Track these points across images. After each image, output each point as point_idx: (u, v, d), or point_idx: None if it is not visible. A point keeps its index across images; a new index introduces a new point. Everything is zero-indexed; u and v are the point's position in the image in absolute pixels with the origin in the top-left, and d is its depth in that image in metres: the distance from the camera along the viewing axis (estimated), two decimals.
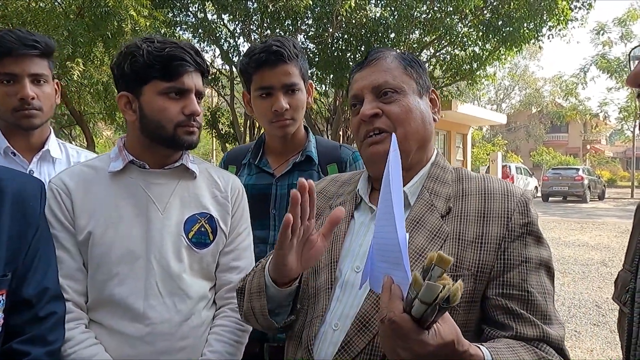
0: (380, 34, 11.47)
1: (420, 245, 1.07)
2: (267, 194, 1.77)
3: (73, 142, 17.19)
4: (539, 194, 24.65)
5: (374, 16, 11.87)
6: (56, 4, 8.47)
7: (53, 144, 1.78)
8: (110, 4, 7.51)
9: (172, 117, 1.34)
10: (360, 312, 1.04)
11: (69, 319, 1.22)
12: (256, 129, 14.43)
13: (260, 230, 1.75)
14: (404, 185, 1.13)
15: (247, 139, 14.14)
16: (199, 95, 1.40)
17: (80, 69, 7.73)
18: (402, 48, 12.72)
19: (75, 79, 7.65)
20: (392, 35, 11.96)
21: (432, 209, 1.12)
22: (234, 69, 13.35)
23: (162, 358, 1.30)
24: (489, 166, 22.97)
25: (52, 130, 1.82)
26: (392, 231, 0.81)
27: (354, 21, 11.48)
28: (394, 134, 0.94)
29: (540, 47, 12.64)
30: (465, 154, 22.63)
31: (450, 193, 1.15)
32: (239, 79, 13.70)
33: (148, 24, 8.15)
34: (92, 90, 9.35)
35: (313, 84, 1.90)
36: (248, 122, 14.07)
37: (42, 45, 1.64)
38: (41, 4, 8.40)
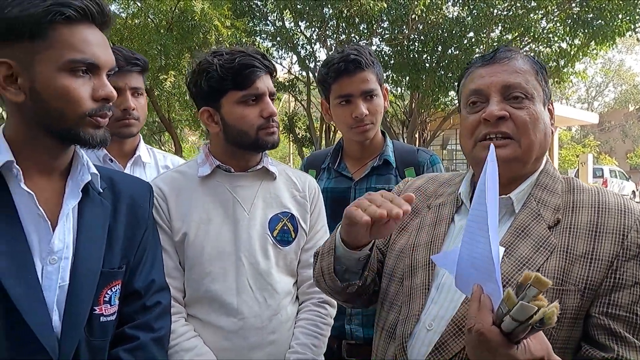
0: (457, 34, 11.19)
1: (525, 255, 1.03)
2: (346, 198, 1.80)
3: (162, 147, 18.41)
4: (638, 199, 22.65)
5: (450, 16, 11.61)
6: (149, 20, 9.17)
7: (143, 150, 1.92)
8: (196, 17, 8.01)
9: (252, 122, 1.41)
10: (457, 315, 1.03)
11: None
12: (331, 133, 14.62)
13: None
14: (510, 192, 1.12)
15: (323, 142, 14.36)
16: (272, 95, 1.47)
17: (171, 80, 8.30)
18: (481, 47, 12.31)
19: (167, 89, 8.21)
20: (470, 34, 11.63)
21: (538, 219, 1.07)
22: (311, 75, 13.62)
23: (255, 351, 1.39)
24: (578, 169, 21.49)
25: (141, 137, 1.96)
26: (486, 243, 0.81)
27: (429, 22, 11.30)
28: (492, 145, 0.91)
29: (638, 40, 11.67)
30: (551, 156, 21.36)
31: (559, 204, 1.09)
32: (315, 85, 13.98)
33: (230, 33, 8.59)
34: (180, 99, 10.02)
35: (388, 88, 1.93)
36: (324, 126, 14.30)
37: (141, 63, 1.81)
38: (136, 21, 9.14)
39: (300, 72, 14.47)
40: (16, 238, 0.98)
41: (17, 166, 1.00)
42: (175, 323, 1.31)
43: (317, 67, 13.84)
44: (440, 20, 11.16)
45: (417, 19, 10.95)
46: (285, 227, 1.50)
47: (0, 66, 0.96)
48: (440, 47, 11.69)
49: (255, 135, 1.42)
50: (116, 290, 1.11)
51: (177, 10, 8.38)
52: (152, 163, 1.95)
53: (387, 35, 12.28)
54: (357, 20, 10.69)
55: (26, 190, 1.00)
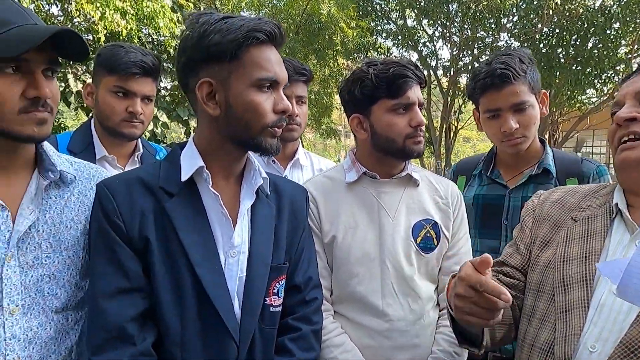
0: (600, 25, 10.14)
1: None
2: (499, 205, 1.77)
3: None
4: None
5: (592, 6, 10.57)
6: None
7: (301, 153, 2.05)
8: (323, 20, 8.29)
9: (400, 130, 1.44)
10: (626, 337, 0.99)
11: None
12: (451, 133, 14.17)
13: (491, 239, 1.78)
14: None
15: (442, 142, 13.98)
16: (421, 106, 1.51)
17: None
18: (627, 40, 11.03)
19: None
20: (617, 25, 10.47)
21: None
22: (432, 74, 13.33)
23: (399, 352, 1.44)
24: None
25: (300, 141, 2.14)
26: None
27: (567, 14, 10.39)
28: None
29: None
30: None
31: None
32: (435, 84, 13.66)
33: (355, 33, 8.75)
34: None
35: (547, 93, 1.80)
36: (444, 125, 13.91)
37: (307, 74, 1.94)
38: None
39: (422, 70, 14.22)
40: (206, 233, 1.13)
41: (207, 171, 1.15)
42: (325, 320, 1.39)
43: (439, 65, 13.54)
44: (581, 10, 10.19)
45: (552, 11, 10.14)
46: (428, 234, 1.52)
47: (204, 85, 1.11)
48: (578, 40, 10.70)
49: (402, 143, 1.45)
50: (282, 284, 1.22)
51: (304, 15, 8.74)
52: (309, 166, 2.08)
53: (517, 30, 11.56)
54: (485, 15, 10.20)
55: (213, 192, 1.14)
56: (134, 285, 1.06)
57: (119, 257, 1.06)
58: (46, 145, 1.12)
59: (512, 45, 11.80)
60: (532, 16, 10.67)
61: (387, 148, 1.48)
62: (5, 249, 1.00)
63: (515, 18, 11.28)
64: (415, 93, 1.47)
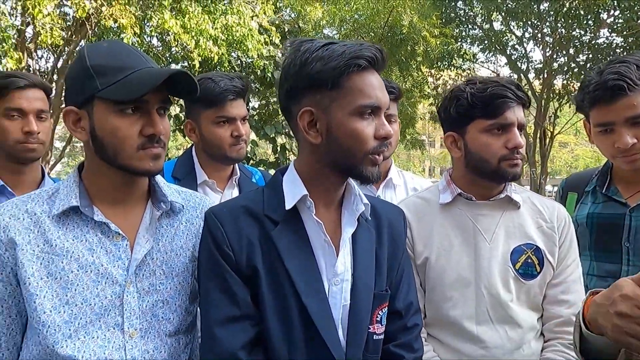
0: None
1: None
2: (618, 225, 1.62)
3: None
4: None
5: None
6: (360, 39, 9.76)
7: (394, 173, 2.03)
8: (405, 31, 8.21)
9: (495, 151, 1.38)
10: None
11: None
12: (547, 139, 13.32)
13: (610, 263, 1.63)
14: None
15: (537, 149, 13.18)
16: (521, 127, 1.42)
17: None
18: None
19: None
20: None
21: None
22: (522, 77, 12.67)
23: None
24: None
25: (392, 161, 2.11)
26: None
27: None
28: None
29: None
30: None
31: None
32: (527, 87, 12.94)
33: (438, 42, 8.56)
34: None
35: None
36: (538, 132, 13.10)
37: (396, 91, 1.92)
38: (348, 41, 9.85)
39: (511, 74, 13.57)
40: (310, 261, 1.12)
41: (310, 199, 1.14)
42: None
43: (531, 68, 12.82)
44: None
45: None
46: (529, 260, 1.43)
47: (305, 114, 1.11)
48: None
49: (496, 165, 1.39)
50: (385, 312, 1.19)
51: (386, 27, 8.72)
52: (402, 185, 2.05)
53: (619, 25, 10.64)
54: (580, 12, 9.51)
55: (316, 219, 1.13)
56: (244, 312, 1.08)
57: (230, 285, 1.08)
58: (158, 177, 1.19)
59: (614, 41, 10.88)
60: (636, 8, 9.77)
61: (480, 169, 1.42)
62: (125, 276, 1.07)
63: (617, 12, 10.39)
64: (516, 114, 1.38)
